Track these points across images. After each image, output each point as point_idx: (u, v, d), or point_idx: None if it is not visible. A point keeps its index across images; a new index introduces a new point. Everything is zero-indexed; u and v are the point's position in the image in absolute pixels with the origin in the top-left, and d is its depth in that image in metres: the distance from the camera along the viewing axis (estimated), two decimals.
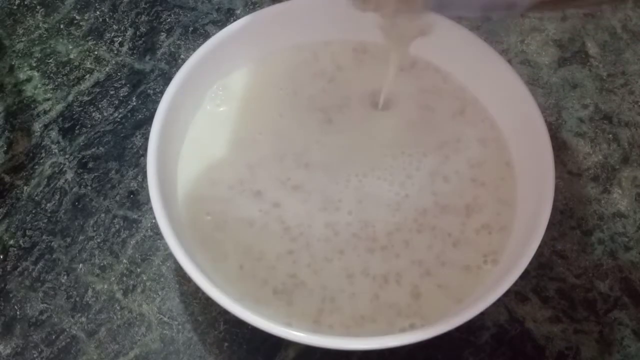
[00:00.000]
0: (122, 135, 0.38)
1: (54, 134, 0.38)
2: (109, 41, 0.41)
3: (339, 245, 0.31)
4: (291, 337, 0.26)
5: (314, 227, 0.31)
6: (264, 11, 0.34)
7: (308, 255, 0.30)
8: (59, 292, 0.33)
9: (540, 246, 0.28)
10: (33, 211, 0.35)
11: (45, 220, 0.35)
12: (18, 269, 0.34)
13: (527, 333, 0.33)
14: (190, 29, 0.42)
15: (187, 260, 0.27)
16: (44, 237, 0.35)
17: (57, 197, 0.36)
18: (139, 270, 0.34)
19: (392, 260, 0.30)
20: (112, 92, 0.39)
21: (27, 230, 0.35)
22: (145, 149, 0.30)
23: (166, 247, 0.34)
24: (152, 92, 0.39)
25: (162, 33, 0.42)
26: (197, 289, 0.27)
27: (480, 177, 0.32)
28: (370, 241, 0.31)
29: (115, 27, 0.42)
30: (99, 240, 0.35)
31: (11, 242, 0.35)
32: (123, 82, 0.40)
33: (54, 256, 0.34)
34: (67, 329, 0.32)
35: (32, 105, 0.39)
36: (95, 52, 0.41)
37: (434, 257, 0.30)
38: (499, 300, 0.27)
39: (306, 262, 0.30)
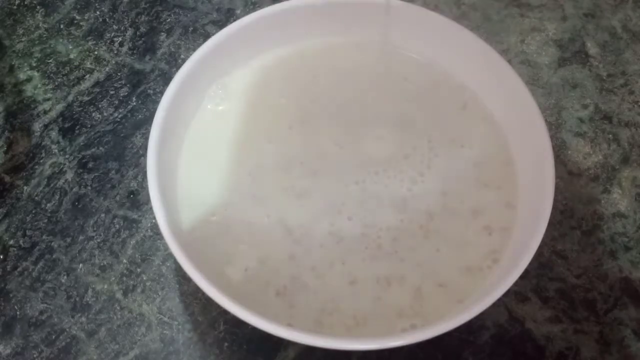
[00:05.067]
0: (122, 135, 0.38)
1: (54, 134, 0.38)
2: (109, 41, 0.41)
3: (343, 251, 0.30)
4: (292, 337, 0.26)
5: (318, 232, 0.31)
6: (264, 11, 0.34)
7: (311, 259, 0.30)
8: (59, 292, 0.33)
9: (540, 246, 0.28)
10: (33, 211, 0.35)
11: (45, 220, 0.35)
12: (18, 269, 0.34)
13: (527, 333, 0.33)
14: (190, 29, 0.42)
15: (187, 261, 0.27)
16: (44, 237, 0.35)
17: (57, 197, 0.36)
18: (139, 270, 0.34)
19: (396, 265, 0.30)
20: (112, 92, 0.39)
21: (27, 230, 0.35)
22: (145, 149, 0.30)
23: (166, 247, 0.34)
24: (152, 92, 0.39)
25: (162, 33, 0.42)
26: (197, 289, 0.27)
27: (483, 177, 0.32)
28: (376, 248, 0.31)
29: (115, 27, 0.42)
30: (99, 240, 0.35)
31: (11, 242, 0.35)
32: (123, 82, 0.40)
33: (54, 256, 0.34)
34: (67, 329, 0.32)
35: (32, 105, 0.39)
36: (95, 52, 0.41)
37: (436, 259, 0.30)
38: (499, 300, 0.27)
39: (309, 266, 0.30)
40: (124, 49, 0.41)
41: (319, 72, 0.35)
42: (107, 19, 0.42)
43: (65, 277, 0.34)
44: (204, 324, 0.33)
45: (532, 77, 0.40)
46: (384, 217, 0.31)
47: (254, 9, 0.35)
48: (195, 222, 0.31)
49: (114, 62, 0.40)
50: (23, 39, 0.41)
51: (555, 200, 0.30)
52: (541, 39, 0.42)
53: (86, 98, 0.39)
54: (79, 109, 0.39)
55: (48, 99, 0.39)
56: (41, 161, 0.37)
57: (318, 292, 0.30)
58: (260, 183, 0.32)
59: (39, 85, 0.39)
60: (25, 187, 0.36)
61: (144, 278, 0.34)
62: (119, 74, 0.40)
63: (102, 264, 0.34)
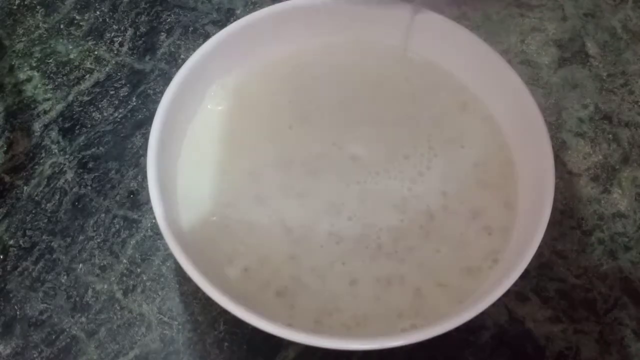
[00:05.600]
0: (122, 135, 0.38)
1: (54, 134, 0.38)
2: (109, 41, 0.41)
3: (343, 251, 0.30)
4: (292, 337, 0.26)
5: (319, 232, 0.31)
6: (263, 11, 0.34)
7: (311, 259, 0.30)
8: (59, 292, 0.33)
9: (540, 246, 0.28)
10: (33, 211, 0.35)
11: (45, 220, 0.35)
12: (18, 269, 0.34)
13: (527, 333, 0.33)
14: (190, 29, 0.42)
15: (187, 261, 0.27)
16: (44, 237, 0.35)
17: (57, 197, 0.36)
18: (139, 270, 0.34)
19: (396, 265, 0.30)
20: (112, 92, 0.39)
21: (27, 230, 0.35)
22: (145, 149, 0.30)
23: (166, 247, 0.34)
24: (152, 92, 0.39)
25: (162, 33, 0.42)
26: (197, 289, 0.27)
27: (483, 177, 0.32)
28: (376, 248, 0.31)
29: (115, 27, 0.42)
30: (99, 240, 0.35)
31: (11, 242, 0.35)
32: (123, 82, 0.40)
33: (54, 256, 0.34)
34: (67, 329, 0.32)
35: (32, 105, 0.39)
36: (95, 52, 0.41)
37: (436, 259, 0.30)
38: (499, 300, 0.27)
39: (309, 266, 0.30)
40: (124, 49, 0.41)
41: (319, 72, 0.35)
42: (107, 19, 0.42)
43: (65, 277, 0.34)
44: (204, 324, 0.33)
45: (532, 77, 0.40)
46: (384, 217, 0.31)
47: (254, 9, 0.35)
48: (195, 222, 0.31)
49: (114, 62, 0.40)
50: (23, 39, 0.41)
51: (555, 200, 0.30)
52: (541, 39, 0.42)
53: (86, 98, 0.39)
54: (79, 109, 0.39)
55: (48, 99, 0.39)
56: (41, 161, 0.37)
57: (318, 292, 0.30)
58: (260, 183, 0.32)
59: (39, 85, 0.39)
60: (25, 187, 0.36)
61: (144, 278, 0.34)
62: (119, 74, 0.40)
63: (102, 264, 0.34)
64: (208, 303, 0.33)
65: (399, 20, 0.35)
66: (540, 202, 0.29)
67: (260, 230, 0.31)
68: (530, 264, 0.27)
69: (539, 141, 0.31)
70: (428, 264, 0.30)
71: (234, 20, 0.34)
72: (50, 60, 0.40)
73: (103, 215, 0.35)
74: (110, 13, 0.42)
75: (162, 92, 0.32)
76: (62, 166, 0.37)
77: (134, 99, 0.39)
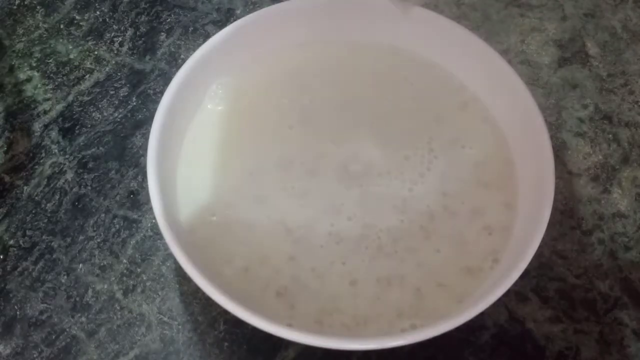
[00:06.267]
0: (122, 135, 0.38)
1: (54, 134, 0.38)
2: (109, 41, 0.41)
3: (343, 251, 0.30)
4: (292, 337, 0.26)
5: (319, 232, 0.31)
6: (263, 11, 0.34)
7: (311, 259, 0.30)
8: (59, 292, 0.33)
9: (540, 246, 0.28)
10: (33, 211, 0.35)
11: (45, 220, 0.35)
12: (18, 269, 0.34)
13: (527, 333, 0.33)
14: (190, 29, 0.42)
15: (187, 261, 0.27)
16: (44, 237, 0.35)
17: (57, 197, 0.36)
18: (139, 270, 0.34)
19: (396, 265, 0.30)
20: (112, 92, 0.39)
21: (27, 230, 0.35)
22: (145, 149, 0.30)
23: (166, 247, 0.34)
24: (152, 92, 0.39)
25: (162, 33, 0.42)
26: (197, 289, 0.27)
27: (483, 177, 0.32)
28: (376, 248, 0.31)
29: (115, 27, 0.42)
30: (99, 240, 0.35)
31: (11, 242, 0.35)
32: (123, 82, 0.40)
33: (54, 256, 0.34)
34: (67, 329, 0.32)
35: (32, 105, 0.39)
36: (95, 52, 0.41)
37: (436, 259, 0.30)
38: (499, 300, 0.27)
39: (309, 266, 0.30)
40: (124, 49, 0.41)
41: (319, 72, 0.35)
42: (107, 19, 0.42)
43: (65, 277, 0.34)
44: (204, 324, 0.33)
45: (532, 77, 0.40)
46: (384, 218, 0.31)
47: (254, 9, 0.35)
48: (195, 222, 0.31)
49: (114, 62, 0.40)
50: (23, 39, 0.41)
51: (555, 200, 0.30)
52: (541, 39, 0.42)
53: (86, 98, 0.39)
54: (79, 109, 0.39)
55: (48, 99, 0.39)
56: (41, 161, 0.37)
57: (318, 292, 0.30)
58: (260, 183, 0.32)
59: (39, 85, 0.39)
60: (25, 187, 0.36)
61: (144, 278, 0.34)
62: (119, 74, 0.40)
63: (102, 264, 0.34)
64: (208, 303, 0.33)
65: (398, 21, 0.35)
66: (540, 202, 0.29)
67: (260, 230, 0.31)
68: (530, 264, 0.27)
69: (539, 141, 0.31)
70: (428, 264, 0.30)
71: (234, 20, 0.34)
72: (50, 60, 0.40)
73: (103, 215, 0.35)
74: (110, 13, 0.42)
75: (162, 92, 0.32)
76: (62, 166, 0.37)
77: (134, 99, 0.39)
